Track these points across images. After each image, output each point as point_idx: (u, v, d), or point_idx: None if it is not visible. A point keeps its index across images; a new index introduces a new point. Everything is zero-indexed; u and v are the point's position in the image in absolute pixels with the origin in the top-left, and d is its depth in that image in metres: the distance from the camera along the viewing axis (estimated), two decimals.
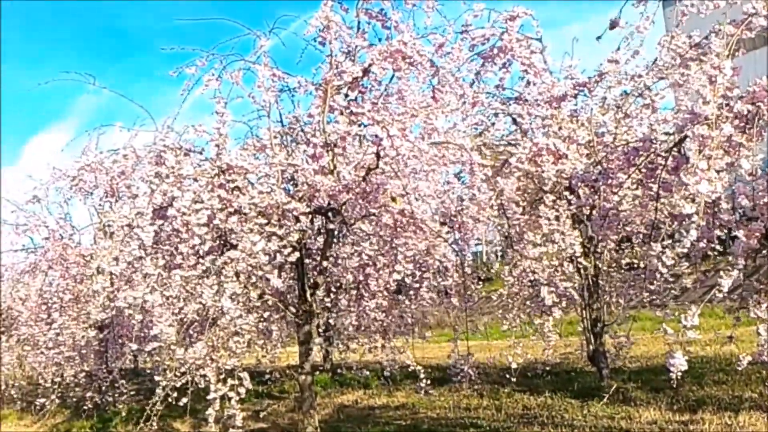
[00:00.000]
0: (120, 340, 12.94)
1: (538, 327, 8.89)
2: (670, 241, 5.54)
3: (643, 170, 5.59)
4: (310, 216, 7.66)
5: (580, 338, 10.11)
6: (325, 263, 8.04)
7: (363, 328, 8.98)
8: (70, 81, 7.57)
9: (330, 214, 7.70)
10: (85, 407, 12.23)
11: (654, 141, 5.40)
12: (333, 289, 9.79)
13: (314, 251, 8.98)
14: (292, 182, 8.24)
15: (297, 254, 7.45)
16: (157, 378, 7.69)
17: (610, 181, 6.33)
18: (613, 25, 5.88)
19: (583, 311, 9.17)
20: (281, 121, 8.01)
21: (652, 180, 5.50)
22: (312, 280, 8.27)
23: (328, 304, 10.12)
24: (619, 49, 7.34)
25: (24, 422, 13.32)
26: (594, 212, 8.35)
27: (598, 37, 6.20)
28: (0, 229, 14.33)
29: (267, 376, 11.63)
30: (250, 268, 7.09)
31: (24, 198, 10.94)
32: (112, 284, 8.57)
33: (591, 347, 9.37)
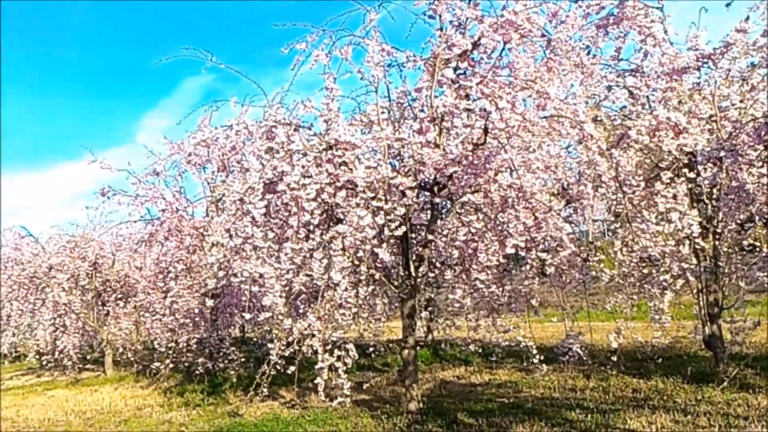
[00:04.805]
0: (229, 310, 13.49)
1: (651, 309, 8.54)
2: None
3: None
4: (415, 190, 7.64)
5: (695, 321, 9.66)
6: (430, 237, 8.03)
7: (469, 304, 8.89)
8: (178, 59, 7.77)
9: (436, 188, 7.66)
10: (197, 372, 12.84)
11: None
12: (437, 264, 9.77)
13: (419, 226, 8.98)
14: (398, 157, 8.24)
15: (403, 228, 7.47)
16: (270, 346, 7.93)
17: (738, 157, 5.95)
18: None
19: (700, 294, 8.74)
20: (389, 96, 8.00)
21: None
22: (416, 255, 8.28)
23: (431, 280, 10.12)
24: (748, 18, 6.90)
25: (140, 384, 14.08)
26: (715, 190, 7.91)
27: (728, 4, 5.86)
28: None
29: (370, 349, 11.79)
30: (358, 243, 7.16)
31: (144, 171, 11.48)
32: (224, 256, 8.89)
33: (707, 331, 8.94)
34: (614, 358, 8.61)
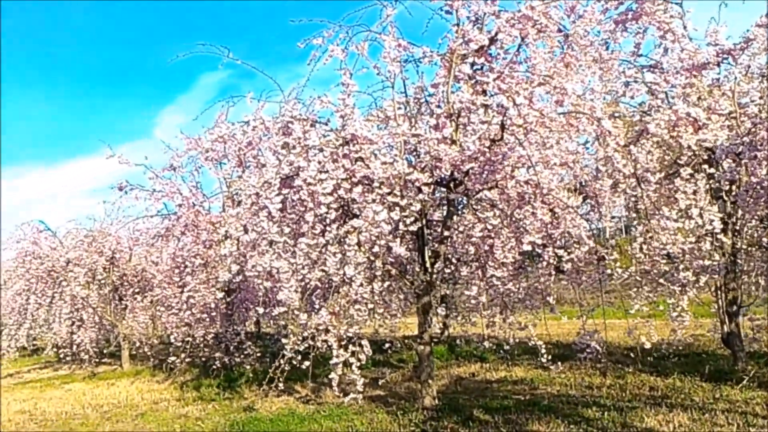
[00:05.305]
0: (245, 304, 13.53)
1: (670, 307, 8.46)
2: None
3: None
4: (432, 186, 7.62)
5: (713, 319, 9.57)
6: (446, 233, 8.00)
7: (484, 301, 8.85)
8: (195, 55, 7.78)
9: (452, 184, 7.63)
10: (213, 367, 12.89)
11: None
12: (453, 261, 9.74)
13: (435, 222, 8.96)
14: (414, 153, 8.21)
15: (419, 223, 7.45)
16: (284, 341, 7.95)
17: (757, 153, 5.88)
18: None
19: (719, 291, 8.65)
20: (405, 92, 7.98)
21: None
22: (432, 251, 8.26)
23: (447, 276, 10.09)
24: None
25: (156, 378, 14.16)
26: (734, 187, 7.82)
27: None
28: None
29: (386, 345, 11.82)
30: (373, 238, 7.15)
31: (161, 166, 11.50)
32: (238, 249, 8.90)
33: (726, 329, 8.85)
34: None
